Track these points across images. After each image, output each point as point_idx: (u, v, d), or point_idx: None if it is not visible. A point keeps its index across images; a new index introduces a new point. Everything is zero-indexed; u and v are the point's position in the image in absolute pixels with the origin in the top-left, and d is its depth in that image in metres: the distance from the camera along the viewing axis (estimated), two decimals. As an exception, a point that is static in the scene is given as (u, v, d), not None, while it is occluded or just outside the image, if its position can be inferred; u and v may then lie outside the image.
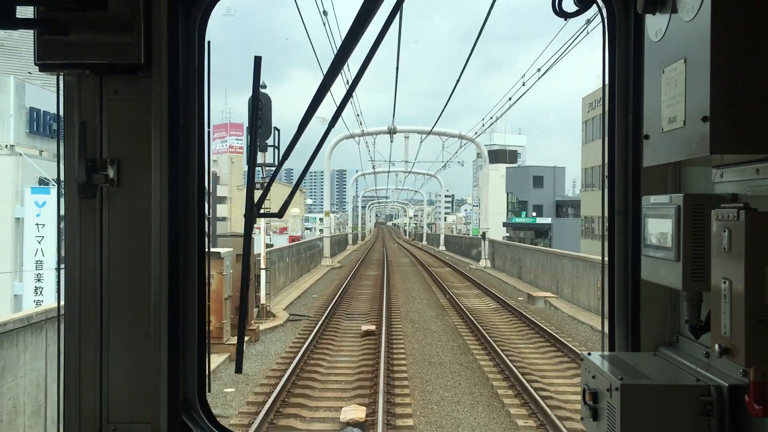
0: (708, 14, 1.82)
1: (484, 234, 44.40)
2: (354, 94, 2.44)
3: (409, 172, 70.53)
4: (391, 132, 43.91)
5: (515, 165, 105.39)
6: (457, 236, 79.94)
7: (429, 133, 44.92)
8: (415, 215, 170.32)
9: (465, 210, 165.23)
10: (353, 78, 2.40)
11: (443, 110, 30.95)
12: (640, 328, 2.59)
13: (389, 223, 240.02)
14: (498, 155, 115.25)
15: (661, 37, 2.13)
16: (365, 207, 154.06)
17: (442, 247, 76.76)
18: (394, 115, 39.31)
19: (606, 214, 2.72)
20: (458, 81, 22.07)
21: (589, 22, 17.07)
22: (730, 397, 2.06)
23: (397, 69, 22.29)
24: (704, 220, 2.07)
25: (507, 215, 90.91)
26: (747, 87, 1.80)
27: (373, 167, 63.82)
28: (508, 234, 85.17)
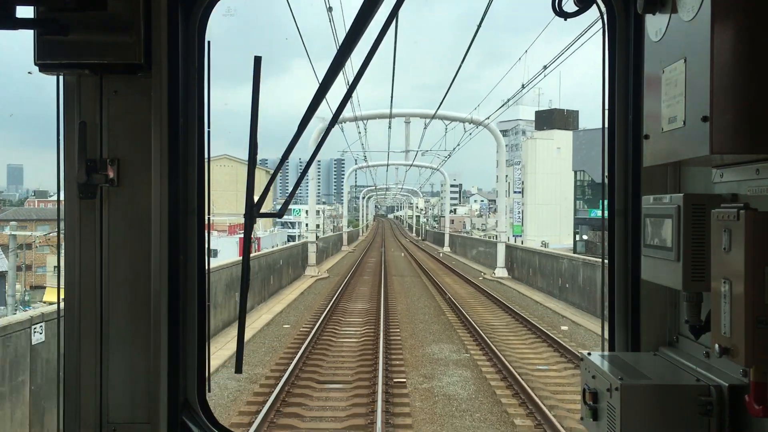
0: (708, 14, 1.82)
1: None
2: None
3: (434, 117, 37.39)
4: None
5: (583, 130, 66.00)
6: (554, 254, 30.61)
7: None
8: (424, 208, 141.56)
9: (475, 201, 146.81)
10: (353, 77, 2.40)
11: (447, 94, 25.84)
12: (640, 328, 2.59)
13: (390, 216, 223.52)
14: (551, 118, 78.31)
15: (661, 37, 2.13)
16: (359, 197, 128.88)
17: (499, 271, 36.31)
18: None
19: (606, 214, 2.72)
20: (459, 69, 21.64)
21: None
22: (730, 397, 2.06)
23: (394, 60, 21.65)
24: (704, 220, 2.07)
25: (576, 206, 59.89)
26: (747, 87, 1.80)
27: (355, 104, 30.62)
28: (586, 237, 52.93)
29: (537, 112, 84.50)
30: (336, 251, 61.12)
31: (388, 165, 61.92)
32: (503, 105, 30.82)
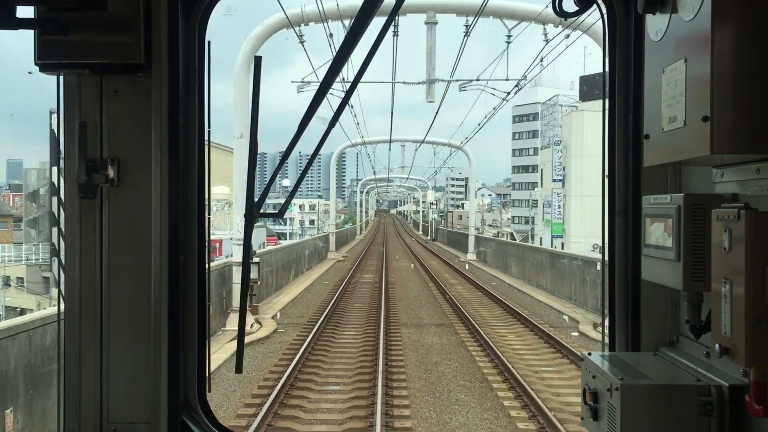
0: (708, 14, 1.82)
1: None
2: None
3: (481, 13, 17.20)
4: None
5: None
6: None
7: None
8: (432, 202, 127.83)
9: (483, 195, 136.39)
10: (354, 77, 2.40)
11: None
12: (640, 328, 2.59)
13: (392, 211, 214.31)
14: (595, 86, 62.24)
15: (661, 37, 2.13)
16: (358, 190, 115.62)
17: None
18: None
19: (606, 214, 2.72)
20: (458, 59, 20.90)
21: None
22: (730, 397, 2.06)
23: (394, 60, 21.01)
24: (704, 220, 2.07)
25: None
26: (747, 87, 1.80)
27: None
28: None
29: (582, 77, 67.44)
30: (318, 261, 42.58)
31: (391, 141, 46.64)
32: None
